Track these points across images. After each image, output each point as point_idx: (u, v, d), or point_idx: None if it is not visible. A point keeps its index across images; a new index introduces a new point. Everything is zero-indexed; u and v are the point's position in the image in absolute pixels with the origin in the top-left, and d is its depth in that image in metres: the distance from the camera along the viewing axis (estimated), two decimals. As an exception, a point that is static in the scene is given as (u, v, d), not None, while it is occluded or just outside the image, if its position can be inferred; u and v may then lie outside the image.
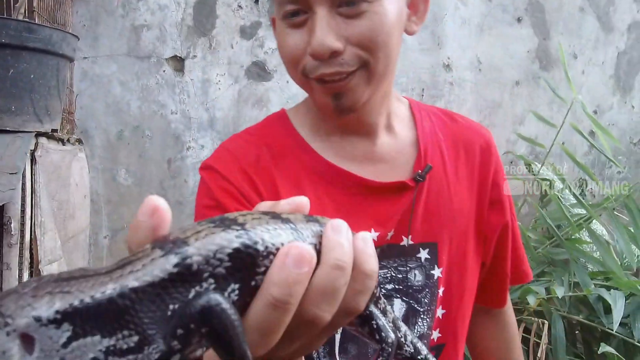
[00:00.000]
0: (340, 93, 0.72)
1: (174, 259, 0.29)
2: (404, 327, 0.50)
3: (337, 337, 0.79)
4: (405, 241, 0.81)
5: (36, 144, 1.34)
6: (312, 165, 0.81)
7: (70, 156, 1.68)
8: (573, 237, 2.10)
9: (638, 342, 1.71)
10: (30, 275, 1.33)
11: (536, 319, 1.90)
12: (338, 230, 0.37)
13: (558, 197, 2.17)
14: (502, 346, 1.00)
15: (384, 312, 0.47)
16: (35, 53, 1.22)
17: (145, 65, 2.21)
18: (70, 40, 1.37)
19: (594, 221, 2.15)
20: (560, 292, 1.74)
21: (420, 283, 0.82)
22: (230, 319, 0.29)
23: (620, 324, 1.68)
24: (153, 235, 0.33)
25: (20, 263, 1.27)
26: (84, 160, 1.94)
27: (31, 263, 1.33)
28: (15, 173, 1.14)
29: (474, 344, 1.02)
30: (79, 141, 1.87)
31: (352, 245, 0.38)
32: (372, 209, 0.80)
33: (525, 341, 1.88)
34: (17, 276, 1.27)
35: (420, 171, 0.82)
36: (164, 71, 2.22)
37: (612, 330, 1.68)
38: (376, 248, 0.79)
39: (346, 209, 0.80)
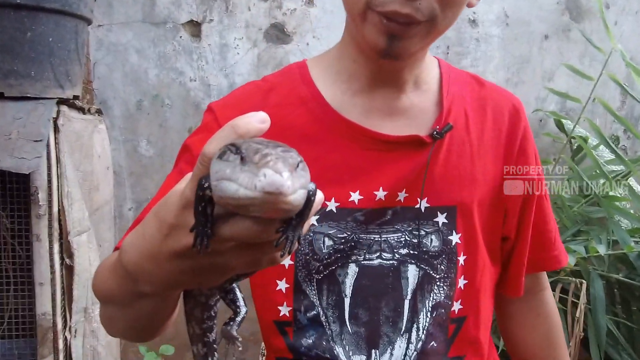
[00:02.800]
0: (397, 36, 0.69)
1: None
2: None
3: (347, 301, 0.77)
4: (421, 204, 0.78)
5: (58, 112, 1.30)
6: (322, 118, 0.78)
7: (91, 126, 1.64)
8: (609, 194, 2.02)
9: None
10: (61, 247, 1.30)
11: (574, 279, 1.85)
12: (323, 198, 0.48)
13: (593, 154, 2.09)
14: (541, 340, 0.93)
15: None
16: (52, 14, 1.16)
17: (161, 31, 2.14)
18: (87, 0, 1.31)
19: (631, 177, 2.07)
20: (601, 249, 1.67)
21: (436, 249, 0.79)
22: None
23: (664, 281, 1.62)
24: (255, 135, 0.44)
25: (50, 234, 1.24)
26: (104, 131, 1.90)
27: (60, 234, 1.30)
28: (40, 140, 1.09)
29: (509, 336, 0.95)
30: (99, 112, 1.82)
31: None
32: (382, 166, 0.77)
33: (563, 301, 1.83)
34: (48, 247, 1.24)
35: (438, 127, 0.78)
36: (180, 37, 2.15)
37: (655, 287, 1.62)
38: (388, 210, 0.77)
39: (355, 164, 0.77)
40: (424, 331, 0.79)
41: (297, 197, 0.38)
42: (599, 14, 2.48)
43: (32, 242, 1.22)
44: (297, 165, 0.39)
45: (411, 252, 0.78)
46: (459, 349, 0.82)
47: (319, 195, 0.46)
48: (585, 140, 2.24)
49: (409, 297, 0.78)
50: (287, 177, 0.37)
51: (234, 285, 0.60)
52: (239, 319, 0.59)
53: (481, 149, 0.82)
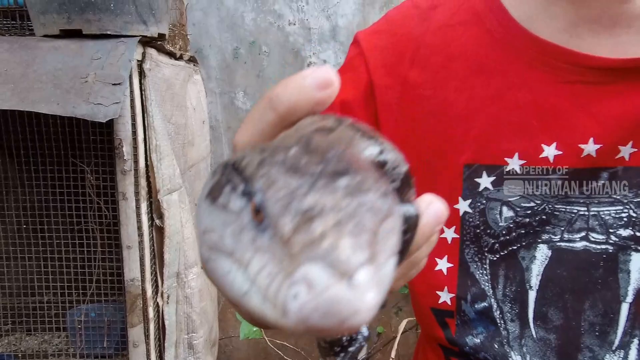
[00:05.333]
0: None
1: (376, 148, 0.26)
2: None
3: (532, 295, 0.58)
4: None
5: (144, 55, 1.14)
6: (504, 39, 0.57)
7: (184, 75, 1.49)
8: None
9: None
10: (149, 206, 1.17)
11: None
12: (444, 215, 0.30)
13: None
14: None
15: None
16: None
17: (258, -31, 1.94)
18: None
19: None
20: None
21: None
22: None
23: None
24: (309, 111, 0.28)
25: (137, 192, 1.11)
26: (200, 82, 1.76)
27: (149, 193, 1.17)
28: (120, 84, 0.94)
29: None
30: (193, 60, 1.67)
31: None
32: (594, 106, 0.54)
33: None
34: (135, 207, 1.11)
35: None
36: (278, -25, 1.94)
37: None
38: (602, 171, 0.55)
39: (551, 105, 0.54)
40: None
41: (381, 299, 0.18)
42: None
43: (118, 200, 1.09)
44: (384, 219, 0.19)
45: (638, 234, 0.55)
46: None
47: (429, 220, 0.28)
48: None
49: (629, 299, 0.56)
50: (365, 279, 0.16)
51: None
52: (353, 348, 0.38)
53: None
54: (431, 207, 0.29)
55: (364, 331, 0.38)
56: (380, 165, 0.26)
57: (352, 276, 0.16)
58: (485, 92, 0.56)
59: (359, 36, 0.64)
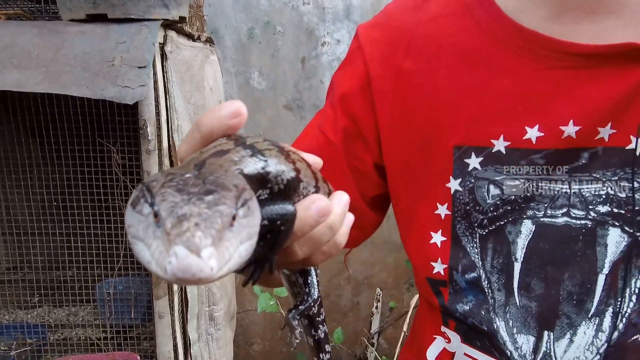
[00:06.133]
0: None
1: (260, 164, 0.38)
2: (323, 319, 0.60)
3: (517, 266, 0.61)
4: (634, 143, 0.57)
5: (165, 37, 1.17)
6: (491, 29, 0.60)
7: (202, 56, 1.52)
8: None
9: None
10: (172, 184, 1.22)
11: None
12: (343, 203, 0.43)
13: None
14: None
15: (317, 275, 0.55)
16: None
17: (272, -51, 1.94)
18: None
19: None
20: None
21: None
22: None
23: None
24: (224, 132, 0.39)
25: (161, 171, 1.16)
26: (216, 63, 1.79)
27: (172, 171, 1.22)
28: (144, 67, 0.98)
29: None
30: (210, 41, 1.70)
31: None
32: (574, 90, 0.56)
33: None
34: (159, 185, 1.16)
35: None
36: (293, -46, 1.95)
37: None
38: (582, 151, 0.57)
39: (533, 90, 0.57)
40: (624, 319, 0.59)
41: (228, 269, 0.30)
42: None
43: (143, 179, 1.14)
44: (233, 218, 0.30)
45: (615, 210, 0.58)
46: None
47: (309, 213, 0.39)
48: None
49: (605, 270, 0.59)
50: (208, 255, 0.28)
51: (311, 268, 0.52)
52: (303, 307, 0.51)
53: None
54: (314, 204, 0.39)
55: (314, 294, 0.51)
56: (264, 176, 0.38)
57: (199, 253, 0.27)
58: (473, 80, 0.59)
59: (359, 30, 0.68)
